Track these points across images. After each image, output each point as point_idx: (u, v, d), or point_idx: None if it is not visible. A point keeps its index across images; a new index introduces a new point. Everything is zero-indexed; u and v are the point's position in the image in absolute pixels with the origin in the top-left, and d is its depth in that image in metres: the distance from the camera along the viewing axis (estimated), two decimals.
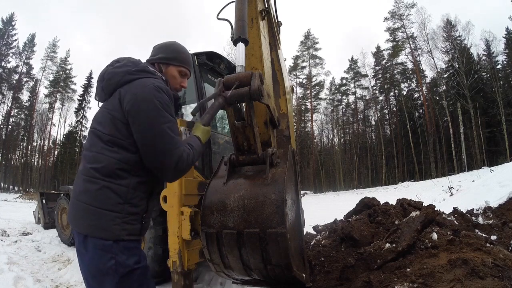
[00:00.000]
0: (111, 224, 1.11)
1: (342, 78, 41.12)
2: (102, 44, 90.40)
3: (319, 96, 41.03)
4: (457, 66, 28.76)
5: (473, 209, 3.29)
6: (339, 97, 40.83)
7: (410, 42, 34.63)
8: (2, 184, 32.82)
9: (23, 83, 36.61)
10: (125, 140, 1.18)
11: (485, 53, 30.52)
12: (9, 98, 35.08)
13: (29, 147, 38.12)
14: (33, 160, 38.56)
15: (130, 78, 1.22)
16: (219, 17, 2.43)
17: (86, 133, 40.52)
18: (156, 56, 1.41)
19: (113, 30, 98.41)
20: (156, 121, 1.14)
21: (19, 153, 37.91)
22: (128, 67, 1.24)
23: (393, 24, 35.89)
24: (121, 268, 1.09)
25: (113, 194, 1.13)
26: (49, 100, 38.29)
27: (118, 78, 1.22)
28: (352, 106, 40.58)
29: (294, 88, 36.29)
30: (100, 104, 1.32)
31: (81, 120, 39.58)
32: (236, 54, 1.95)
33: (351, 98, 40.60)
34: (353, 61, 40.67)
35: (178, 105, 1.33)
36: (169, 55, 1.42)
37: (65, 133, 39.49)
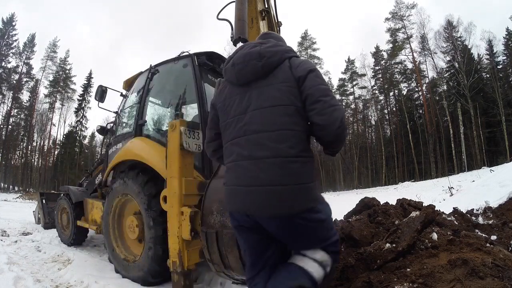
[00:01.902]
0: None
1: (340, 79, 41.15)
2: (106, 36, 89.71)
3: None
4: (458, 66, 28.74)
5: (473, 209, 3.29)
6: (339, 97, 40.80)
7: (411, 43, 34.64)
8: (2, 184, 32.78)
9: (23, 83, 36.58)
10: (302, 107, 1.29)
11: (487, 53, 30.48)
12: (9, 98, 35.06)
13: (29, 147, 38.10)
14: (33, 160, 38.55)
15: (292, 55, 1.39)
16: (219, 17, 2.43)
17: (86, 133, 40.65)
18: None
19: (118, 21, 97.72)
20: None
21: (19, 153, 37.88)
22: (284, 46, 1.42)
23: (394, 25, 35.92)
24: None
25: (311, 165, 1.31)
26: (49, 100, 38.27)
27: (281, 55, 1.36)
28: (352, 106, 40.58)
29: None
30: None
31: (81, 120, 39.57)
32: None
33: (351, 98, 40.63)
34: (350, 62, 40.68)
35: None
36: None
37: (65, 133, 39.50)
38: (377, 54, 38.67)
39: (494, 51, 30.22)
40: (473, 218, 3.02)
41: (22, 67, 36.17)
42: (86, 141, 42.41)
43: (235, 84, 1.41)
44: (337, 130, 1.24)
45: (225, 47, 29.04)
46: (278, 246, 1.37)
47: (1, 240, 4.99)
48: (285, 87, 1.29)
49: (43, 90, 38.48)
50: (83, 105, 39.54)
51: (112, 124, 4.41)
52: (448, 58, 31.12)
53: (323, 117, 1.23)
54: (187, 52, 3.44)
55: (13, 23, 35.23)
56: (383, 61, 38.01)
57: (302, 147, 1.27)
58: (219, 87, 1.54)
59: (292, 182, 1.22)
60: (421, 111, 34.69)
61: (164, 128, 3.75)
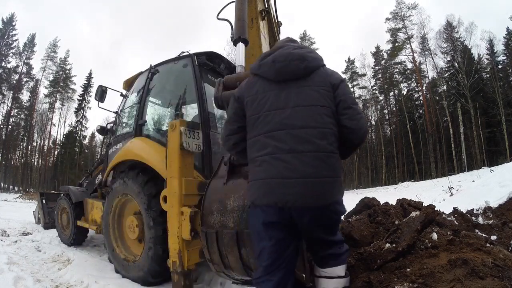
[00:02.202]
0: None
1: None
2: (106, 36, 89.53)
3: None
4: (458, 66, 28.73)
5: (473, 209, 3.29)
6: None
7: (411, 43, 34.63)
8: (2, 184, 32.77)
9: (23, 83, 36.59)
10: (335, 110, 1.44)
11: (488, 52, 30.45)
12: (9, 98, 35.07)
13: (29, 147, 38.11)
14: (33, 160, 38.55)
15: (324, 64, 1.55)
16: (219, 17, 2.43)
17: (86, 133, 40.65)
18: None
19: (118, 21, 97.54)
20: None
21: (19, 153, 37.88)
22: (318, 55, 1.57)
23: (395, 25, 35.89)
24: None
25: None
26: (49, 100, 38.28)
27: (318, 61, 1.52)
28: None
29: None
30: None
31: (81, 120, 39.57)
32: (236, 54, 1.96)
33: None
34: (350, 62, 40.66)
35: None
36: None
37: (65, 133, 39.49)
38: (377, 54, 38.67)
39: (495, 50, 30.22)
40: (473, 218, 3.02)
41: (22, 67, 36.22)
42: (86, 141, 42.46)
43: (271, 80, 1.48)
44: (363, 134, 1.49)
45: (224, 47, 29.10)
46: (295, 245, 1.46)
47: (1, 240, 4.99)
48: (323, 90, 1.43)
49: (43, 90, 38.55)
50: (83, 105, 39.57)
51: (112, 124, 4.41)
52: (448, 58, 31.17)
53: (354, 122, 1.44)
54: (187, 52, 3.44)
55: (13, 23, 35.27)
56: (383, 61, 38.00)
57: (337, 145, 1.43)
58: (247, 81, 1.61)
59: (331, 175, 1.36)
60: (421, 111, 34.68)
61: (164, 128, 3.75)
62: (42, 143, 38.92)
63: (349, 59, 40.88)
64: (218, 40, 78.31)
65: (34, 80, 37.46)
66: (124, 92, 4.37)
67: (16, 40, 35.59)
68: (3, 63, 34.44)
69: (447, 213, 3.02)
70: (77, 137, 39.68)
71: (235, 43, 1.95)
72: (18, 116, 36.77)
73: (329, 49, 69.65)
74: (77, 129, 39.48)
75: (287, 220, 1.36)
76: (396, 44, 35.76)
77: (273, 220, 1.37)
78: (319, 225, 1.42)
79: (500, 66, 30.33)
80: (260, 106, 1.45)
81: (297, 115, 1.38)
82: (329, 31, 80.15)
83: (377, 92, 39.08)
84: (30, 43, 36.95)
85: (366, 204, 3.20)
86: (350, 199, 2.70)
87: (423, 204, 2.97)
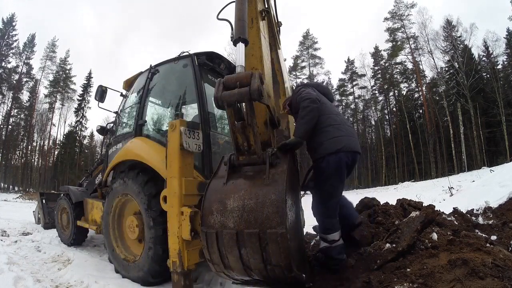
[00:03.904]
0: None
1: (340, 79, 41.17)
2: (106, 36, 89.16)
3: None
4: (457, 66, 28.72)
5: (473, 209, 3.29)
6: (338, 97, 40.78)
7: (410, 43, 34.58)
8: (2, 184, 32.76)
9: (23, 83, 36.58)
10: None
11: (484, 54, 30.43)
12: (9, 98, 35.05)
13: (29, 147, 38.07)
14: (33, 160, 38.52)
15: None
16: (219, 17, 2.43)
17: (86, 133, 40.66)
18: None
19: (119, 21, 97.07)
20: None
21: (19, 153, 37.84)
22: None
23: (393, 24, 35.85)
24: None
25: None
26: (49, 100, 38.25)
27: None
28: (352, 106, 40.58)
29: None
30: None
31: (81, 120, 39.55)
32: (236, 54, 1.95)
33: (351, 98, 40.63)
34: (350, 62, 40.65)
35: None
36: None
37: (65, 133, 39.47)
38: (376, 54, 38.65)
39: (492, 51, 30.14)
40: (473, 218, 3.02)
41: (22, 67, 36.20)
42: (86, 141, 42.43)
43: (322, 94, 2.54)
44: None
45: (225, 47, 29.08)
46: None
47: (1, 240, 4.98)
48: (336, 108, 2.32)
49: (43, 90, 38.53)
50: (83, 105, 39.54)
51: (112, 124, 4.41)
52: (447, 58, 31.11)
53: None
54: (187, 52, 3.44)
55: (13, 23, 35.26)
56: (383, 61, 37.99)
57: None
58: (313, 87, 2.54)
59: None
60: (421, 111, 34.67)
61: (164, 128, 3.75)
62: (42, 143, 38.92)
63: (348, 59, 40.83)
64: (219, 39, 78.18)
65: (34, 80, 37.49)
66: (124, 92, 4.37)
67: (16, 40, 35.63)
68: (3, 63, 34.43)
69: (447, 213, 3.02)
70: (77, 137, 39.65)
71: (235, 43, 1.94)
72: (18, 116, 36.74)
73: (330, 48, 69.76)
74: (77, 129, 39.46)
75: (351, 160, 2.28)
76: (394, 43, 35.72)
77: (347, 160, 2.23)
78: (354, 166, 2.36)
79: (500, 66, 30.32)
80: (325, 101, 2.47)
81: (336, 110, 2.52)
82: (330, 30, 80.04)
83: (377, 92, 39.07)
84: (30, 43, 36.95)
85: (366, 204, 3.20)
86: (350, 199, 2.70)
87: (423, 204, 2.97)
